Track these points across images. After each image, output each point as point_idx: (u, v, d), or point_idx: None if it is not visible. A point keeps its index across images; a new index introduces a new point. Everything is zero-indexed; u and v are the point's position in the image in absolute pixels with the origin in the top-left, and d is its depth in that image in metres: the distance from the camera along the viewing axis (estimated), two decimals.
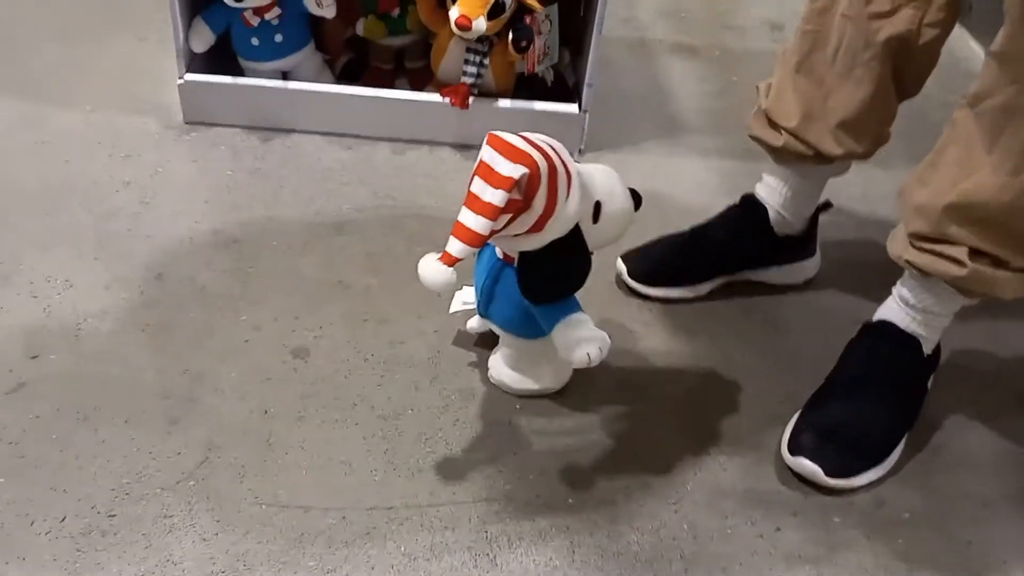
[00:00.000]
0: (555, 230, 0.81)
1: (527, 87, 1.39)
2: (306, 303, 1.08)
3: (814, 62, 1.02)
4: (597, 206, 0.85)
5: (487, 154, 0.79)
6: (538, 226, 0.80)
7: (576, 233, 0.84)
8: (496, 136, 0.79)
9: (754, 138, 1.09)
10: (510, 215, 0.79)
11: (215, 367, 1.00)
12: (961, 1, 0.96)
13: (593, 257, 0.87)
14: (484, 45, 1.30)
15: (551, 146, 0.81)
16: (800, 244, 1.15)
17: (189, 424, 0.94)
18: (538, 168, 0.77)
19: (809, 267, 1.17)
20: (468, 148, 1.35)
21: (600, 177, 0.86)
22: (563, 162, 0.81)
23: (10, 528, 0.83)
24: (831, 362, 1.01)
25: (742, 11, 1.84)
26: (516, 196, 0.77)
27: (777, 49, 1.08)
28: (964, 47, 1.74)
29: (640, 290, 1.12)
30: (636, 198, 0.89)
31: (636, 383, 1.03)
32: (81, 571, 0.81)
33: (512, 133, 0.80)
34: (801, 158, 1.05)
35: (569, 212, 0.81)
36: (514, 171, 0.76)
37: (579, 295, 0.89)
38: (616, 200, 0.87)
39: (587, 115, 1.35)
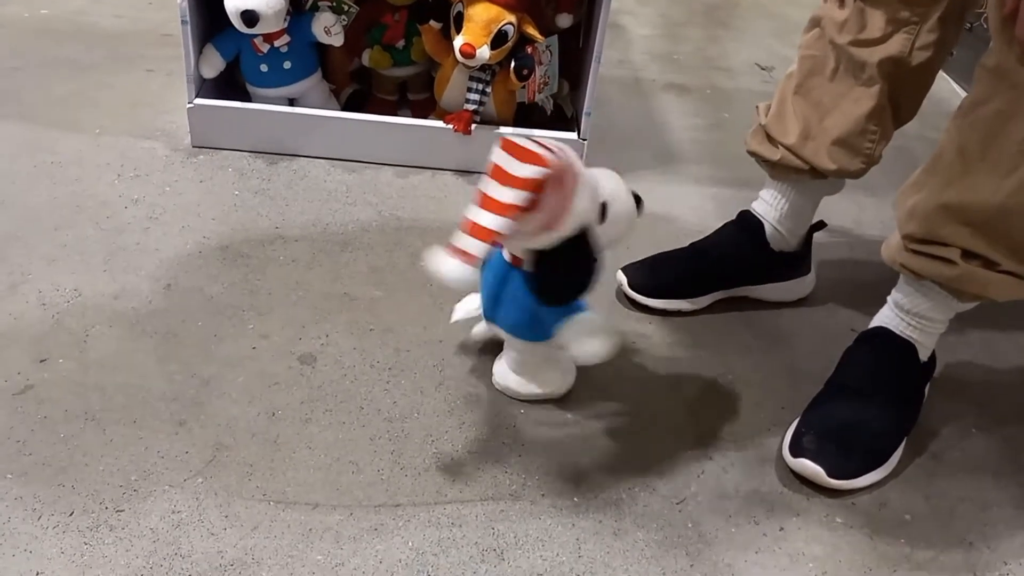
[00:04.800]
0: (567, 227, 0.84)
1: (527, 116, 1.43)
2: (312, 314, 1.09)
3: (812, 85, 1.06)
4: (603, 206, 0.88)
5: (501, 158, 0.81)
6: (551, 224, 0.83)
7: (585, 232, 0.86)
8: (509, 141, 0.82)
9: (752, 153, 1.12)
10: (526, 214, 0.81)
11: (223, 372, 1.01)
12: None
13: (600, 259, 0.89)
14: (487, 73, 1.34)
15: (559, 148, 0.84)
16: (795, 261, 1.18)
17: (197, 426, 0.94)
18: (550, 168, 0.80)
19: (804, 284, 1.20)
20: (469, 173, 1.38)
21: (605, 179, 0.89)
22: (571, 163, 0.84)
23: (16, 523, 0.83)
24: (830, 372, 1.03)
25: (731, 55, 1.91)
26: (532, 196, 0.80)
27: (767, 88, 1.11)
28: (945, 88, 1.80)
29: (640, 300, 1.14)
30: (638, 200, 0.92)
31: (638, 390, 1.05)
32: (89, 564, 0.80)
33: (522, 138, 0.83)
34: (797, 172, 1.08)
35: (578, 210, 0.84)
36: (534, 172, 0.79)
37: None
38: (620, 201, 0.89)
39: (586, 143, 1.39)
